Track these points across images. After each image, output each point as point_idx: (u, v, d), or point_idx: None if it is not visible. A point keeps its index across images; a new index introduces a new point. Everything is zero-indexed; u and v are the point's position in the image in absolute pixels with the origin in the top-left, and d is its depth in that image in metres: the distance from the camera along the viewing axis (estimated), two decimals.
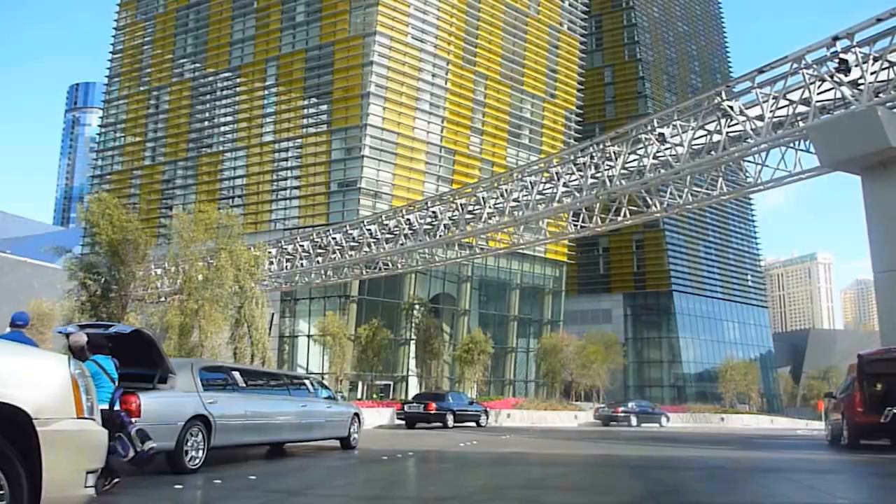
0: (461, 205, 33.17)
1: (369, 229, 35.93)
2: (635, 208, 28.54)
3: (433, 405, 25.50)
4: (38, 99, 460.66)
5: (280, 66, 56.31)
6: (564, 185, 28.73)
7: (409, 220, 34.48)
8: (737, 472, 10.55)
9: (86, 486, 3.58)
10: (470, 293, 56.49)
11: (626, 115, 68.62)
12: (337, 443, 13.91)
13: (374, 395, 41.57)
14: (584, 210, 29.73)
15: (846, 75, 19.46)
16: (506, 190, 31.11)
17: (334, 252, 37.77)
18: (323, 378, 34.12)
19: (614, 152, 26.75)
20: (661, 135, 24.63)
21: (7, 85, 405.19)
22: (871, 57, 19.23)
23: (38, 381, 3.48)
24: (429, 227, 34.08)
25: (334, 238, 37.49)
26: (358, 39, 52.60)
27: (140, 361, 8.74)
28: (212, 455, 9.69)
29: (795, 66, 21.00)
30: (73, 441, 3.53)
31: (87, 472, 3.60)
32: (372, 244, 35.81)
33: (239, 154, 57.28)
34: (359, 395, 42.51)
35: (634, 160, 26.63)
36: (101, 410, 4.52)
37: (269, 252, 38.16)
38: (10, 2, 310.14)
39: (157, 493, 7.54)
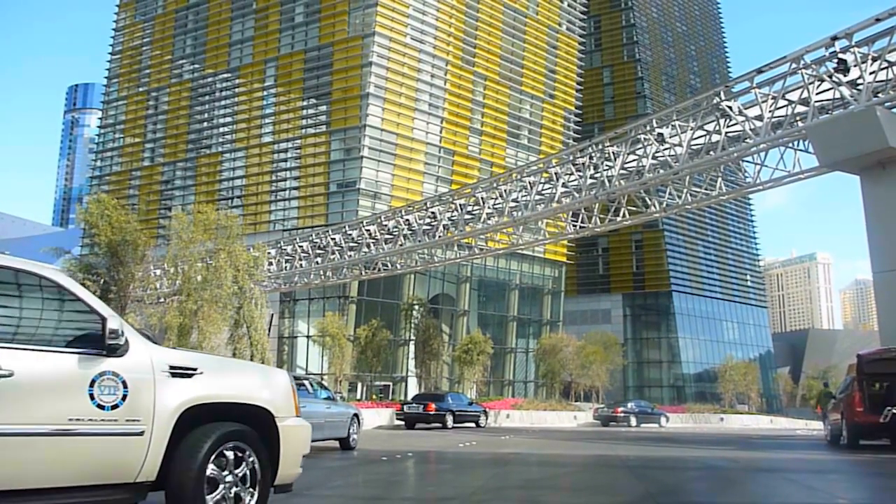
0: (460, 205, 33.16)
1: (368, 230, 35.91)
2: (634, 208, 28.54)
3: (432, 406, 25.48)
4: (38, 99, 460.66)
5: (279, 66, 56.32)
6: (563, 185, 28.71)
7: (408, 220, 34.46)
8: (736, 472, 10.55)
9: (299, 467, 4.90)
10: (469, 294, 56.51)
11: (624, 116, 68.68)
12: (336, 443, 13.89)
13: (374, 396, 41.54)
14: (583, 210, 29.71)
15: (845, 75, 19.45)
16: (505, 190, 31.09)
17: (333, 253, 37.76)
18: (322, 379, 34.11)
19: (613, 153, 26.75)
20: (660, 135, 24.63)
21: (7, 85, 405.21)
22: (870, 57, 19.22)
23: (274, 388, 4.78)
24: (428, 227, 34.06)
25: (333, 239, 37.48)
26: (357, 40, 52.62)
27: None
28: None
29: (794, 66, 21.00)
30: (295, 433, 4.80)
31: (302, 456, 4.92)
32: (371, 245, 35.79)
33: (238, 155, 57.28)
34: (358, 396, 42.50)
35: (633, 160, 26.62)
36: None
37: (269, 253, 38.13)
38: (10, 2, 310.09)
39: (155, 493, 7.52)
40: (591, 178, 27.69)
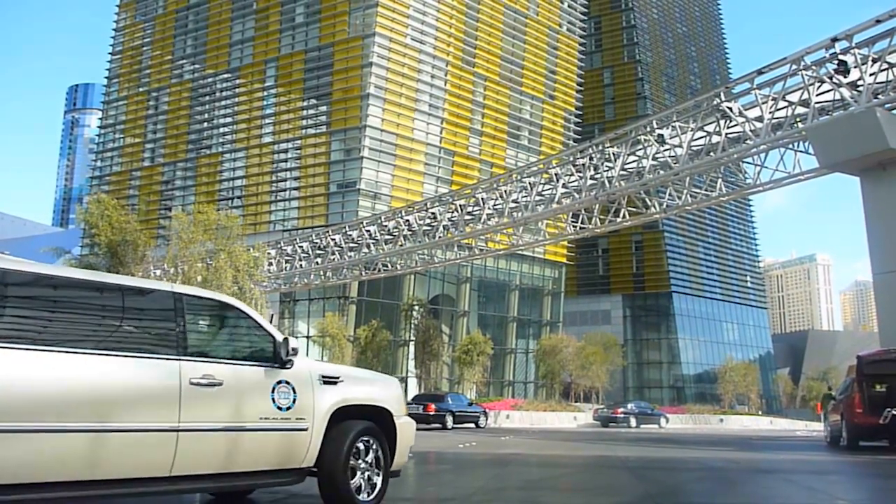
0: (460, 206, 33.18)
1: (368, 230, 35.93)
2: (634, 209, 28.55)
3: (432, 406, 25.48)
4: (38, 99, 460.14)
5: (279, 67, 56.32)
6: (564, 186, 28.73)
7: (408, 221, 34.48)
8: (735, 473, 10.55)
9: (408, 457, 5.89)
10: (469, 294, 56.48)
11: (625, 117, 68.67)
12: None
13: None
14: (583, 211, 29.73)
15: (845, 77, 19.47)
16: (505, 191, 31.11)
17: (333, 253, 37.78)
18: None
19: (613, 153, 26.76)
20: (661, 136, 24.64)
21: (7, 85, 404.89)
22: (870, 58, 19.25)
23: (392, 393, 5.90)
24: (428, 228, 34.08)
25: (333, 239, 37.49)
26: (357, 40, 52.63)
27: None
28: None
29: (794, 67, 21.03)
30: (407, 428, 5.84)
31: (410, 447, 5.89)
32: (371, 245, 35.81)
33: (238, 155, 57.28)
34: None
35: (633, 161, 26.64)
36: None
37: (269, 253, 38.15)
38: (10, 2, 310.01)
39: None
40: (591, 178, 27.71)
